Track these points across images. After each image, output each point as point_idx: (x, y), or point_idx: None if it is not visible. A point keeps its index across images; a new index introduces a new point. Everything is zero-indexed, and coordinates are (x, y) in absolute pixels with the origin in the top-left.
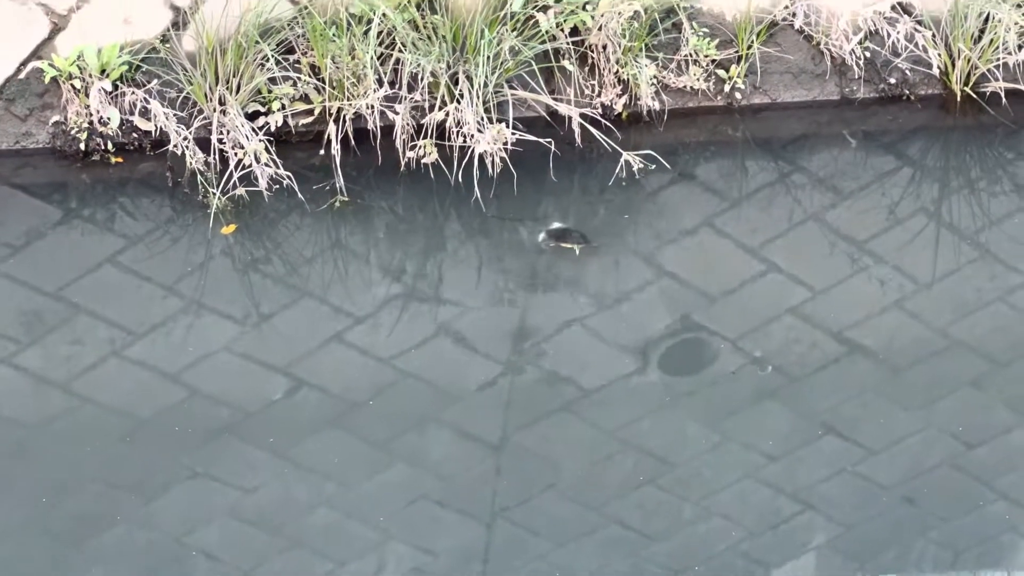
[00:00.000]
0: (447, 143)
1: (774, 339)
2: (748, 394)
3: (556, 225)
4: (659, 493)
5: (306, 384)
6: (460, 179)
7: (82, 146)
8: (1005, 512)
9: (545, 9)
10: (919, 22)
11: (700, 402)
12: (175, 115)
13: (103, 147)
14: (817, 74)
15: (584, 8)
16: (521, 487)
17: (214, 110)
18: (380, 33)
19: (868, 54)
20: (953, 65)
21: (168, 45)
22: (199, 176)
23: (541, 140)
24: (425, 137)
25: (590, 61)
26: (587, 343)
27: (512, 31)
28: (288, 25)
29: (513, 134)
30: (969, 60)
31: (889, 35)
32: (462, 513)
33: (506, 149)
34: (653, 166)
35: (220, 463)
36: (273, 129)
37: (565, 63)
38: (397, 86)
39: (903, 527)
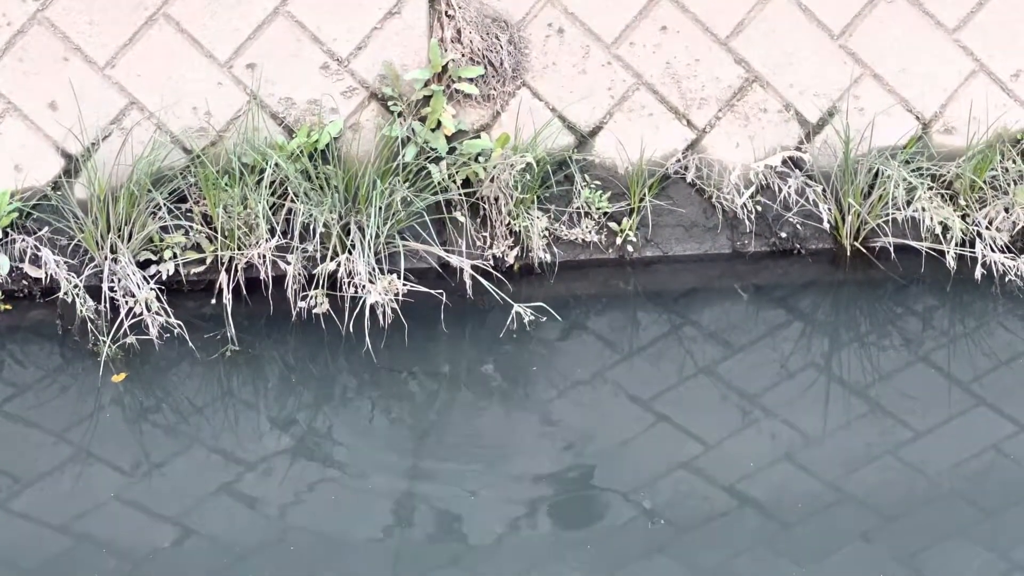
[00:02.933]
0: (339, 293)
1: (665, 492)
2: (639, 548)
3: None
4: None
5: (194, 534)
6: (351, 329)
7: None
8: None
9: (437, 160)
10: (810, 177)
11: (591, 555)
12: (66, 262)
13: None
14: (708, 227)
15: (476, 160)
16: None
17: (105, 258)
18: (272, 183)
19: (759, 208)
20: (843, 220)
21: (59, 192)
22: (89, 324)
23: (432, 291)
24: (317, 287)
25: (482, 212)
26: (479, 496)
27: (404, 182)
28: (180, 174)
29: (404, 285)
30: (859, 215)
31: (780, 189)
32: None
33: (397, 300)
34: (544, 318)
35: None
36: (164, 278)
37: (457, 214)
38: (289, 236)
39: None
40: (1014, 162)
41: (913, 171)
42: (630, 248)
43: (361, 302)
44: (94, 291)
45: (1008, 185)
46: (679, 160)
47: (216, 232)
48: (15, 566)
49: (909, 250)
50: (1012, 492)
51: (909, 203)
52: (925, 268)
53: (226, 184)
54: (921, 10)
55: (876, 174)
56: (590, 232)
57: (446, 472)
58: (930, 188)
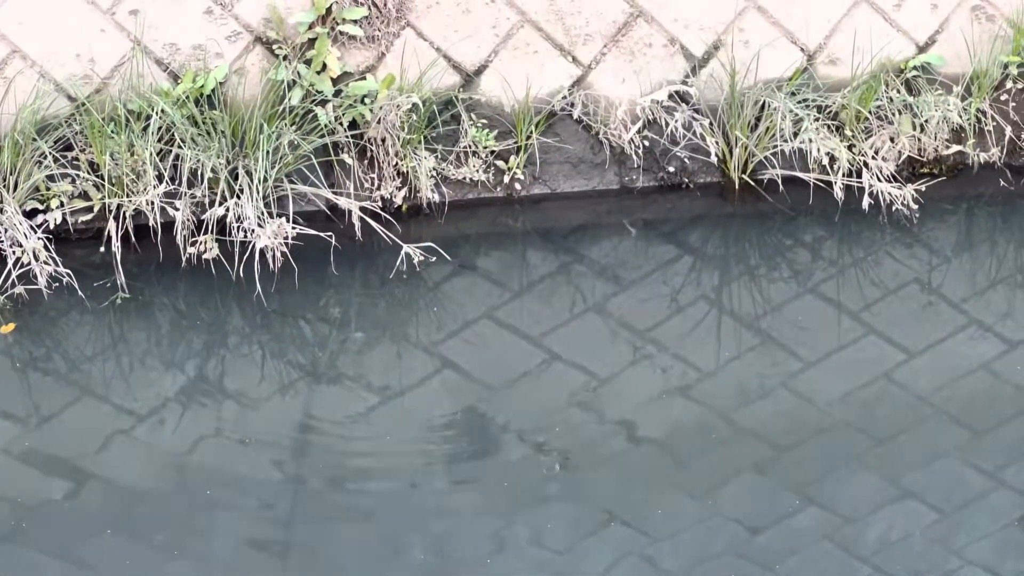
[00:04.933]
0: (228, 238)
1: (560, 429)
2: (536, 486)
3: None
4: None
5: (87, 484)
6: (241, 274)
7: None
8: None
9: (324, 103)
10: (697, 111)
11: (483, 494)
12: None
13: None
14: (596, 164)
15: (362, 102)
16: None
17: None
18: (159, 129)
19: (647, 143)
20: (731, 153)
21: None
22: None
23: (321, 234)
24: (206, 233)
25: (369, 154)
26: (372, 439)
27: (291, 125)
28: (66, 122)
29: (293, 228)
30: (746, 148)
31: (667, 124)
32: None
33: (287, 244)
34: (434, 258)
35: (2, 567)
36: (52, 227)
37: (344, 156)
38: (177, 182)
39: None
40: (898, 92)
41: (799, 103)
42: (518, 186)
43: (251, 246)
44: None
45: (893, 115)
46: (565, 97)
47: (103, 180)
48: None
49: (797, 182)
50: (901, 419)
51: (796, 135)
52: (813, 199)
53: (112, 131)
54: None
55: (763, 106)
56: (478, 171)
57: (339, 416)
58: (816, 119)
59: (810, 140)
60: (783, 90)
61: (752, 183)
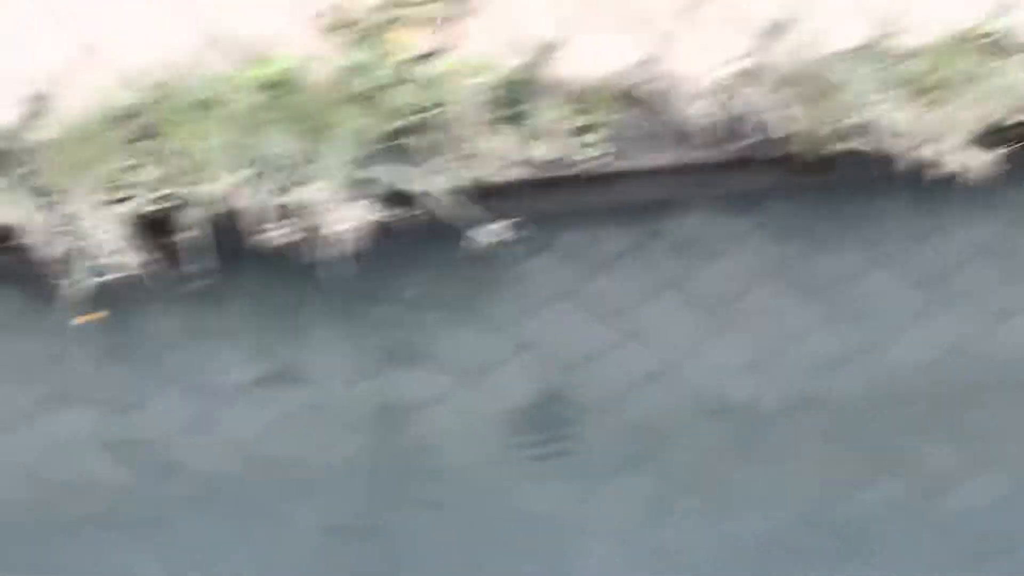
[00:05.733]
0: (307, 222)
1: (636, 406)
2: (621, 460)
3: None
4: (528, 565)
5: (170, 469)
6: (319, 258)
7: None
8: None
9: (399, 85)
10: (768, 84)
11: (564, 471)
12: (33, 204)
13: None
14: (671, 139)
15: (438, 82)
16: (387, 566)
17: (72, 198)
18: (236, 114)
19: (719, 117)
20: (800, 127)
21: (24, 135)
22: (59, 266)
23: (400, 216)
24: (283, 218)
25: (446, 134)
26: (450, 417)
27: (367, 108)
28: (141, 111)
29: (372, 210)
30: (816, 121)
31: (740, 98)
32: None
33: (365, 226)
34: (513, 237)
35: (86, 554)
36: (133, 216)
37: (422, 138)
38: (253, 168)
39: None
40: (971, 60)
41: (875, 71)
42: (594, 163)
43: (331, 229)
44: (63, 232)
45: (966, 83)
46: (640, 73)
47: (182, 167)
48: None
49: (867, 154)
50: (981, 388)
51: (867, 105)
52: (886, 170)
53: (187, 119)
54: None
55: (836, 77)
56: (555, 148)
57: (421, 395)
58: (888, 90)
59: (882, 111)
60: (854, 61)
61: (824, 155)
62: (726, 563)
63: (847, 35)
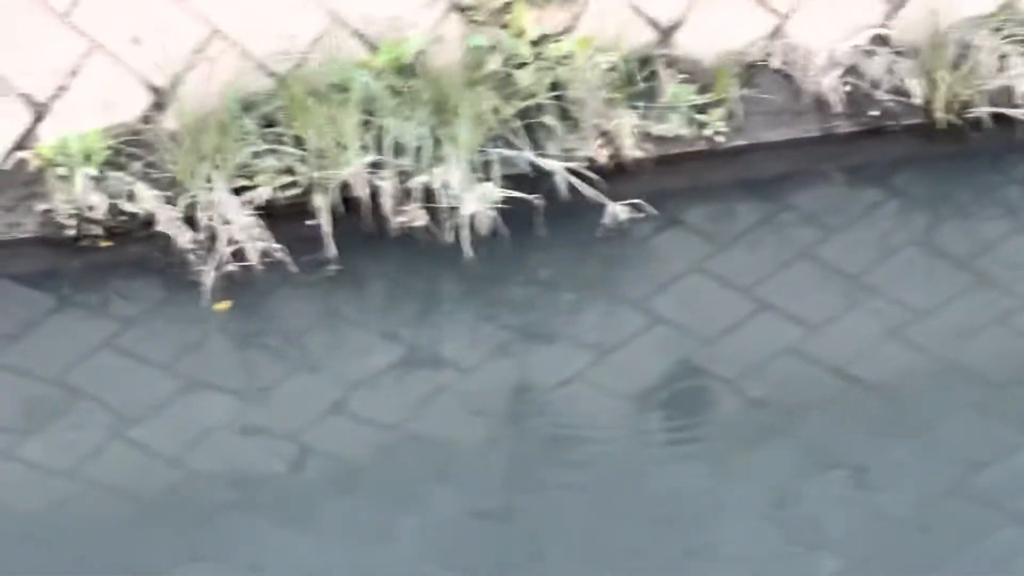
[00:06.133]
0: (435, 206)
1: (773, 379)
2: (750, 436)
3: None
4: (669, 541)
5: (311, 455)
6: (450, 241)
7: (71, 232)
8: (1016, 538)
9: (523, 66)
10: (898, 53)
11: (703, 446)
12: (162, 195)
13: (92, 232)
14: (797, 112)
15: (561, 63)
16: (531, 545)
17: (200, 188)
18: (360, 100)
19: (848, 88)
20: (935, 93)
21: (150, 126)
22: (190, 255)
23: (528, 196)
24: (412, 202)
25: (571, 114)
26: (587, 395)
27: (491, 90)
28: (268, 98)
29: (499, 192)
30: (951, 87)
31: (868, 68)
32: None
33: (494, 208)
34: (641, 214)
35: (227, 541)
36: (260, 203)
37: (546, 118)
38: (381, 152)
39: (915, 558)
40: None
41: (1004, 38)
42: (720, 138)
43: (458, 212)
44: (191, 222)
45: None
46: (763, 47)
47: (308, 154)
48: (137, 499)
49: (1005, 119)
50: None
51: (1002, 71)
52: (1022, 136)
53: (314, 105)
54: None
55: (966, 44)
56: (679, 126)
57: (555, 375)
58: (1022, 54)
59: (1017, 75)
60: (987, 26)
61: (958, 123)
62: (869, 538)
63: (978, 0)
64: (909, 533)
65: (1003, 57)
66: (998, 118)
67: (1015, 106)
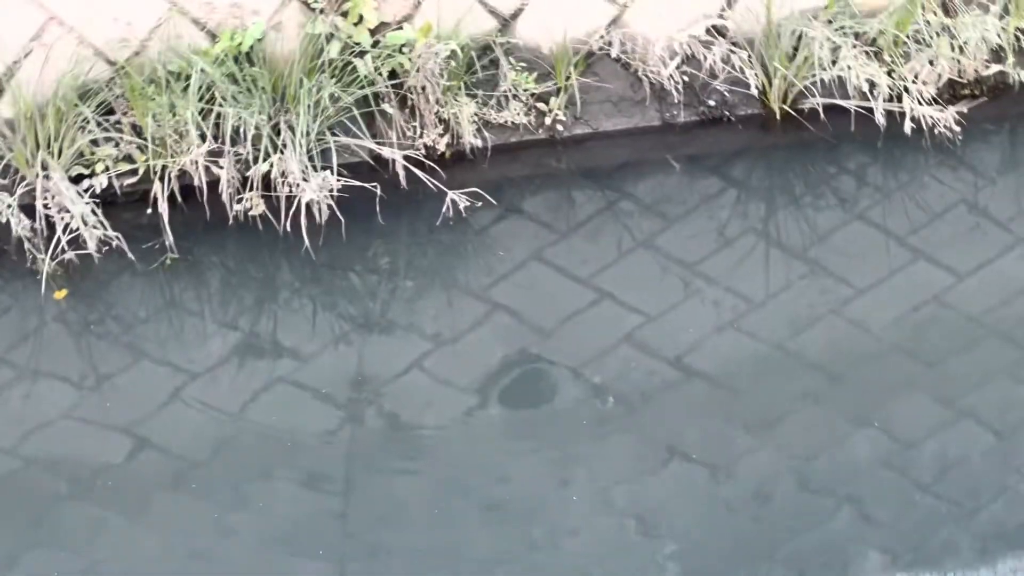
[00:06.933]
0: (274, 194)
1: (613, 367)
2: (591, 424)
3: None
4: (505, 529)
5: (148, 444)
6: (289, 229)
7: None
8: (847, 527)
9: (362, 54)
10: (734, 44)
11: (541, 435)
12: (1, 182)
13: None
14: (637, 101)
15: (401, 51)
16: (368, 533)
17: (37, 175)
18: (200, 88)
19: (686, 78)
20: (770, 84)
21: None
22: (26, 243)
23: (366, 185)
24: (251, 189)
25: (410, 103)
26: (428, 385)
27: (331, 78)
28: (107, 86)
29: (338, 180)
30: (786, 78)
31: (706, 58)
32: (310, 562)
33: (332, 196)
34: (480, 203)
35: (64, 530)
36: (98, 191)
37: (385, 106)
38: (220, 140)
39: (749, 546)
40: (935, 14)
41: (836, 30)
42: (560, 127)
43: (296, 201)
44: (28, 209)
45: (931, 38)
46: (603, 36)
47: (147, 142)
48: None
49: (838, 110)
50: (954, 341)
51: (835, 63)
52: (855, 126)
53: (153, 93)
54: None
55: (800, 36)
56: (519, 114)
57: (394, 364)
58: (854, 47)
59: (849, 67)
60: (819, 18)
61: (793, 113)
62: (706, 526)
63: None
64: (745, 521)
65: (836, 49)
66: (831, 109)
67: (847, 97)
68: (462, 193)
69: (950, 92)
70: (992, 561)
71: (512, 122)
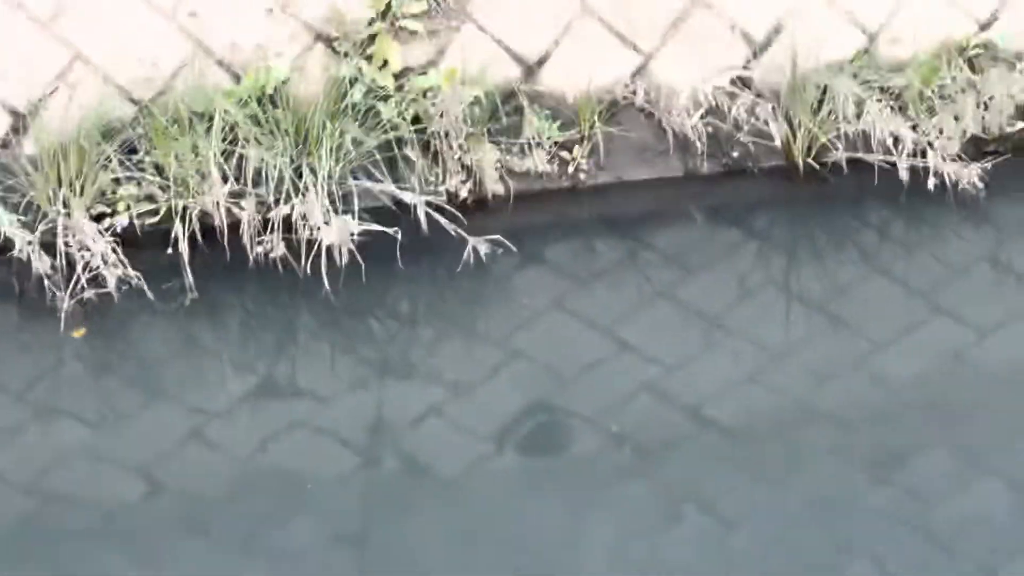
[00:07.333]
0: (294, 236)
1: (632, 417)
2: (608, 474)
3: None
4: None
5: (164, 485)
6: (309, 272)
7: None
8: None
9: (386, 99)
10: (759, 95)
11: (559, 484)
12: (19, 220)
13: None
14: (660, 151)
15: (425, 96)
16: None
17: (58, 213)
18: (223, 129)
19: (710, 129)
20: (794, 137)
21: (8, 150)
22: (46, 280)
23: (387, 230)
24: (272, 232)
25: (433, 148)
26: (447, 432)
27: (354, 122)
28: (130, 125)
29: (359, 225)
30: (809, 131)
31: (730, 109)
32: None
33: (353, 240)
34: (501, 250)
35: (76, 572)
36: (119, 230)
37: (408, 151)
38: (242, 182)
39: None
40: (961, 70)
41: (861, 84)
42: (583, 176)
43: (317, 244)
44: (49, 247)
45: (956, 94)
46: (628, 85)
47: (169, 181)
48: None
49: (862, 164)
50: (976, 399)
51: (859, 116)
52: (878, 181)
53: (176, 133)
54: None
55: (825, 89)
56: (542, 162)
57: (412, 410)
58: (879, 100)
59: (873, 121)
60: (845, 72)
61: (816, 166)
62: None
63: (837, 46)
64: (762, 575)
65: (860, 103)
66: (854, 162)
67: (871, 151)
68: (484, 240)
69: (974, 148)
70: None
71: (535, 170)
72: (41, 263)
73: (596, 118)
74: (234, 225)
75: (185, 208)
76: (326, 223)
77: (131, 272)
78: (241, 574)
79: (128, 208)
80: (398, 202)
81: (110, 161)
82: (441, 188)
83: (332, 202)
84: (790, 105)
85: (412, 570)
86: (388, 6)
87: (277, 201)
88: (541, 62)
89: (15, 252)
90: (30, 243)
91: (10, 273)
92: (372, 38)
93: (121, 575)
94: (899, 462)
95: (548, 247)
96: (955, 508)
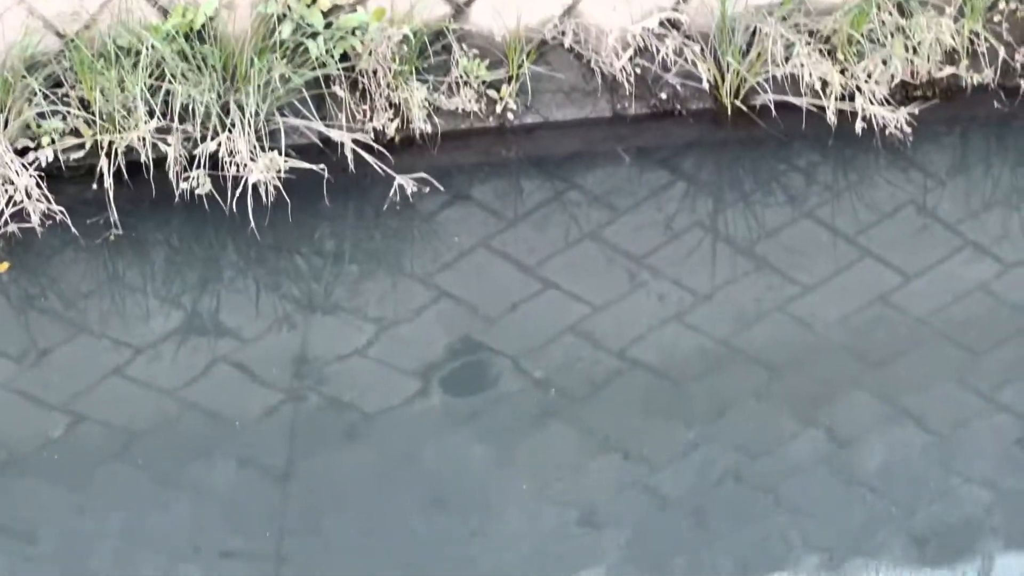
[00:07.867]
0: (221, 173)
1: (556, 358)
2: (532, 415)
3: None
4: (446, 516)
5: (86, 420)
6: (235, 209)
7: None
8: (787, 523)
9: (315, 36)
10: (688, 37)
11: (483, 423)
12: None
13: None
14: (588, 92)
15: (353, 33)
16: (308, 515)
17: None
18: (149, 64)
19: (639, 70)
20: (723, 79)
21: None
22: None
23: (314, 167)
24: (198, 168)
25: (361, 86)
26: (370, 369)
27: (282, 59)
28: (55, 59)
29: (286, 162)
30: (738, 73)
31: (659, 51)
32: (249, 542)
33: (279, 177)
34: (427, 189)
35: (2, 503)
36: (44, 164)
37: (336, 89)
38: (168, 117)
39: (691, 539)
40: (890, 14)
41: (791, 27)
42: (510, 115)
43: (243, 181)
44: None
45: (885, 38)
46: (556, 26)
47: (94, 116)
48: None
49: (790, 107)
50: (899, 342)
51: (788, 59)
52: (806, 124)
53: (102, 67)
54: None
55: (754, 32)
56: (470, 101)
57: (337, 347)
58: (808, 44)
59: (802, 65)
60: (774, 15)
61: (745, 109)
62: (644, 518)
63: None
64: (684, 515)
65: (789, 46)
66: (783, 106)
67: (799, 94)
68: (410, 178)
69: (902, 93)
70: (928, 562)
71: (462, 109)
72: None
73: (524, 58)
74: (160, 161)
75: (111, 143)
76: (253, 160)
77: (55, 207)
78: (167, 509)
79: (53, 142)
80: (325, 140)
81: (35, 95)
82: (368, 126)
83: (259, 139)
84: (719, 47)
85: (335, 506)
86: None
87: (204, 137)
88: (470, 1)
89: None
90: None
91: None
92: None
93: (44, 511)
94: (823, 404)
95: (475, 186)
96: (876, 451)
